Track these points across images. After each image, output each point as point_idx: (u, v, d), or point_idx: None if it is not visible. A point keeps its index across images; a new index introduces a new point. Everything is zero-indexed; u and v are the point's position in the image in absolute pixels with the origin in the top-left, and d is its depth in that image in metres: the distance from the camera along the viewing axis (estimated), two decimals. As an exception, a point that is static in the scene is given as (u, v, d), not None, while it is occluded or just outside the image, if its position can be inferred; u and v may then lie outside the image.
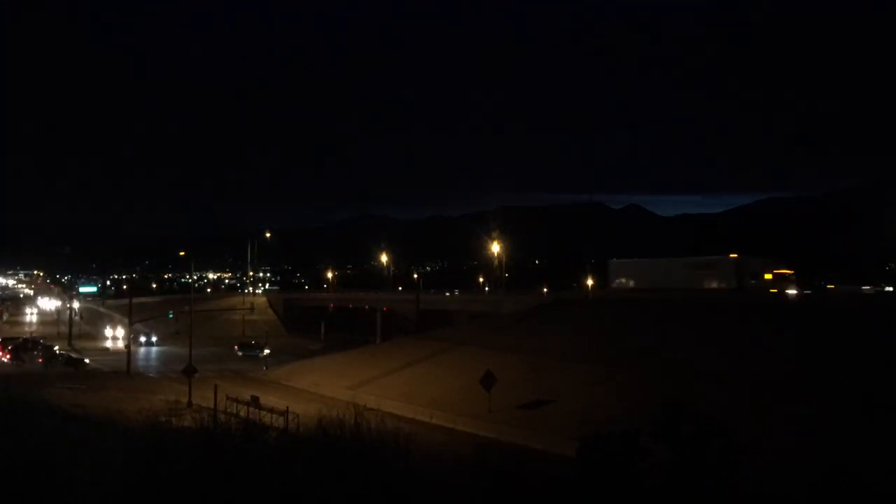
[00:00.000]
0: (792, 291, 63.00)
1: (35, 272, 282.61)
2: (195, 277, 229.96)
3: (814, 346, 40.68)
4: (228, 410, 37.02)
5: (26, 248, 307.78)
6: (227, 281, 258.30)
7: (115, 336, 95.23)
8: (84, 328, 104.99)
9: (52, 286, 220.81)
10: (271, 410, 36.33)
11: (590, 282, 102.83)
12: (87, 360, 62.86)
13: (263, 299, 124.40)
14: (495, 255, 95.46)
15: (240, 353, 78.59)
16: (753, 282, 65.60)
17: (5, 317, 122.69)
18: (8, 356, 56.99)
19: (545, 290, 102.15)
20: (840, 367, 36.27)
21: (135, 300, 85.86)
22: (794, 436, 28.32)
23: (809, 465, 22.40)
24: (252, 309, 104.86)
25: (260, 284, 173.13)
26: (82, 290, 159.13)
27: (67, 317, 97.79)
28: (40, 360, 59.59)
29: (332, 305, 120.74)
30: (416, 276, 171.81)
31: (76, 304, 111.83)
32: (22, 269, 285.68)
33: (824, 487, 17.94)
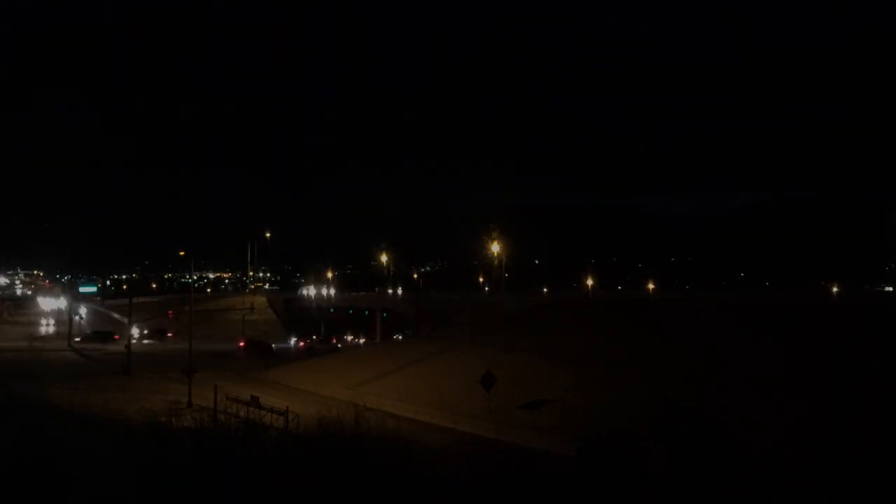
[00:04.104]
0: None
1: (35, 272, 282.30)
2: (195, 277, 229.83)
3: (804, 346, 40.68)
4: (228, 410, 36.95)
5: (26, 247, 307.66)
6: (226, 281, 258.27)
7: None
8: (84, 328, 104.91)
9: (52, 286, 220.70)
10: (271, 410, 36.27)
11: (590, 282, 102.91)
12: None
13: (263, 299, 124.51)
14: (495, 255, 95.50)
15: None
16: None
17: (6, 316, 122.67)
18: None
19: (545, 290, 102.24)
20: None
21: (135, 300, 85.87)
22: (794, 435, 28.30)
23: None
24: (252, 309, 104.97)
25: (260, 284, 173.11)
26: (82, 289, 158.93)
27: (67, 316, 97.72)
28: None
29: (331, 305, 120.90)
30: (416, 275, 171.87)
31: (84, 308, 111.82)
32: (22, 269, 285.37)
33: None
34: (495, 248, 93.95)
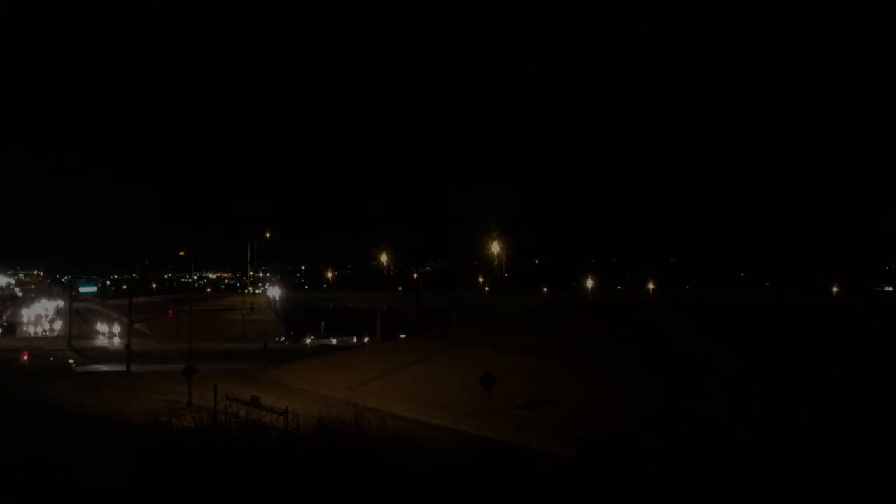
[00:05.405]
0: None
1: (35, 272, 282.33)
2: (195, 277, 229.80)
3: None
4: (228, 410, 36.91)
5: (26, 247, 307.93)
6: (226, 281, 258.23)
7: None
8: (84, 327, 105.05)
9: (53, 286, 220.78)
10: (271, 410, 36.26)
11: (590, 282, 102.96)
12: None
13: (263, 299, 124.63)
14: (495, 255, 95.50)
15: None
16: None
17: (5, 317, 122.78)
18: None
19: (545, 290, 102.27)
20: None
21: (135, 300, 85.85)
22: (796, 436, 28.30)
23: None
24: (252, 309, 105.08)
25: (260, 284, 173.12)
26: (82, 289, 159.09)
27: (67, 316, 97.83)
28: None
29: (332, 305, 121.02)
30: (416, 275, 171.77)
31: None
32: (22, 269, 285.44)
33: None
34: (495, 248, 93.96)
